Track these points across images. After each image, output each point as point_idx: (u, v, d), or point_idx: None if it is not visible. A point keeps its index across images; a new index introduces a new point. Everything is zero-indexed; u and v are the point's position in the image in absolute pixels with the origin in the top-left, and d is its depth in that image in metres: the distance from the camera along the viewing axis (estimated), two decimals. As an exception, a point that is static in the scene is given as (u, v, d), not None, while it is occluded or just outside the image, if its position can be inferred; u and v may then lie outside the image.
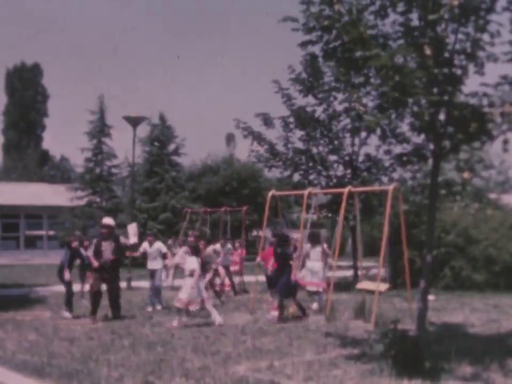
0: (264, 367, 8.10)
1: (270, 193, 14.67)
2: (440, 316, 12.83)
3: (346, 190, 13.33)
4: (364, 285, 13.08)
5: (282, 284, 12.54)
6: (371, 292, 12.32)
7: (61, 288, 14.01)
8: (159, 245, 14.83)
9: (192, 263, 11.72)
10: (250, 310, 13.55)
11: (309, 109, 19.18)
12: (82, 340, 10.26)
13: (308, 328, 11.31)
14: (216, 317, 11.75)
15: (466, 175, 8.35)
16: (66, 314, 13.03)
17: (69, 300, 13.21)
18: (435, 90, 7.74)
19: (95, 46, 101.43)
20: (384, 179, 19.53)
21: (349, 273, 20.71)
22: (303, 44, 8.29)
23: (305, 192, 14.19)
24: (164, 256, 14.74)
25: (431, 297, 12.44)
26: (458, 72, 7.86)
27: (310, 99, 19.15)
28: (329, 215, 20.55)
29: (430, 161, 8.49)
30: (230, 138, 62.36)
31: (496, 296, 16.68)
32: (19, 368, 8.25)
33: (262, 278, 15.40)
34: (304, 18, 7.81)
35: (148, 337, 10.54)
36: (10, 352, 9.26)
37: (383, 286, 12.30)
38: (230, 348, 9.41)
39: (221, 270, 16.54)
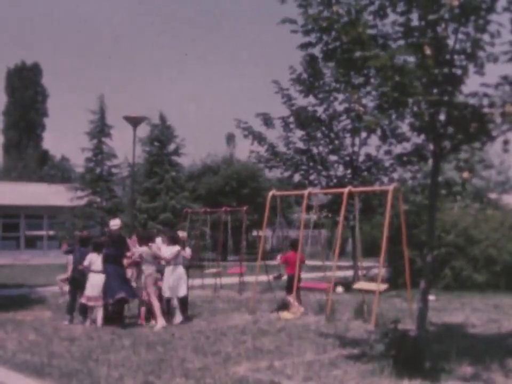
0: (264, 367, 8.10)
1: (270, 193, 14.67)
2: (441, 316, 12.82)
3: (346, 190, 13.33)
4: (361, 285, 13.07)
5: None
6: (370, 292, 12.38)
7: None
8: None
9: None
10: (250, 310, 13.55)
11: (310, 109, 19.19)
12: (82, 340, 10.27)
13: (308, 328, 11.31)
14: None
15: (465, 175, 8.35)
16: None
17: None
18: (435, 90, 7.74)
19: (95, 46, 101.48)
20: (385, 179, 19.53)
21: (349, 273, 20.70)
22: (303, 46, 8.30)
23: (305, 192, 14.20)
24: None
25: (431, 297, 12.43)
26: (458, 72, 7.85)
27: (311, 99, 19.19)
28: (330, 215, 20.55)
29: (430, 161, 8.49)
30: (230, 138, 62.37)
31: (497, 296, 16.66)
32: (19, 368, 8.26)
33: (263, 278, 15.39)
34: (302, 20, 7.81)
35: (147, 337, 10.55)
36: (10, 352, 9.27)
37: (382, 286, 12.30)
38: (230, 348, 9.41)
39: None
